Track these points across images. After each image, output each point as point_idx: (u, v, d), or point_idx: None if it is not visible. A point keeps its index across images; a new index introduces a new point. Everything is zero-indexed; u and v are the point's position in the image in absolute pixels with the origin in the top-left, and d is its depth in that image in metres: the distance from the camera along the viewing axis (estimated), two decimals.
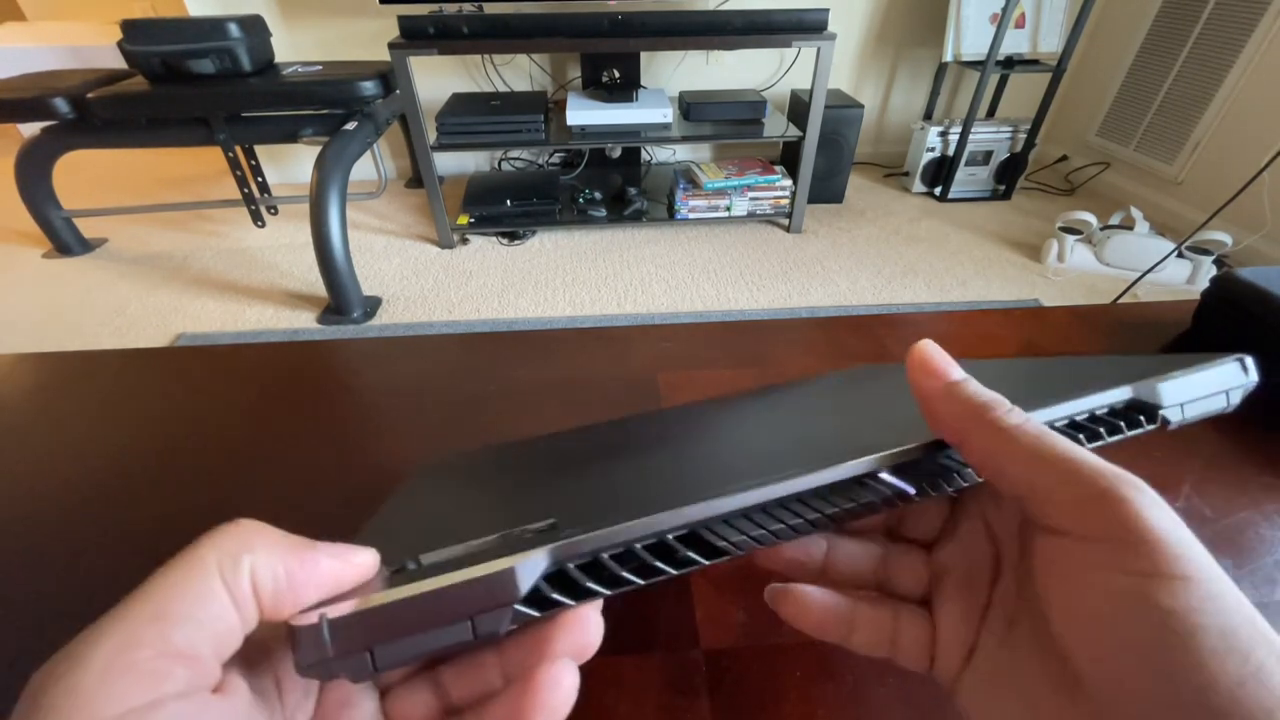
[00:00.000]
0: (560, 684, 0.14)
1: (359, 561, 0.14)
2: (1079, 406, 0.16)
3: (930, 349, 0.17)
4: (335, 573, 0.14)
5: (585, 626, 0.15)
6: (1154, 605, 0.12)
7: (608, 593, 0.14)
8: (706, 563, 0.14)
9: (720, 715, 0.23)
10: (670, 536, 0.14)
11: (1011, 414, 0.15)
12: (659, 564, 0.14)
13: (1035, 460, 0.14)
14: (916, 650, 0.18)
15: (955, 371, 0.17)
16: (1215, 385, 0.17)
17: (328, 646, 0.13)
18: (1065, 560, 0.13)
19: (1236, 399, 0.17)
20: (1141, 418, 0.17)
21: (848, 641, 0.19)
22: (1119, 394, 0.17)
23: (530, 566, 0.13)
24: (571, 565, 0.14)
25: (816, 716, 0.23)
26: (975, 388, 0.16)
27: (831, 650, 0.26)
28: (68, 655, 0.10)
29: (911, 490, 0.16)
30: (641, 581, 0.14)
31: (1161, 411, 0.17)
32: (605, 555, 0.14)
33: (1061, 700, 0.13)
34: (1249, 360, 0.17)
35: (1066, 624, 0.13)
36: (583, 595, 0.14)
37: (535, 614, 0.14)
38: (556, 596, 0.14)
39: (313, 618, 0.13)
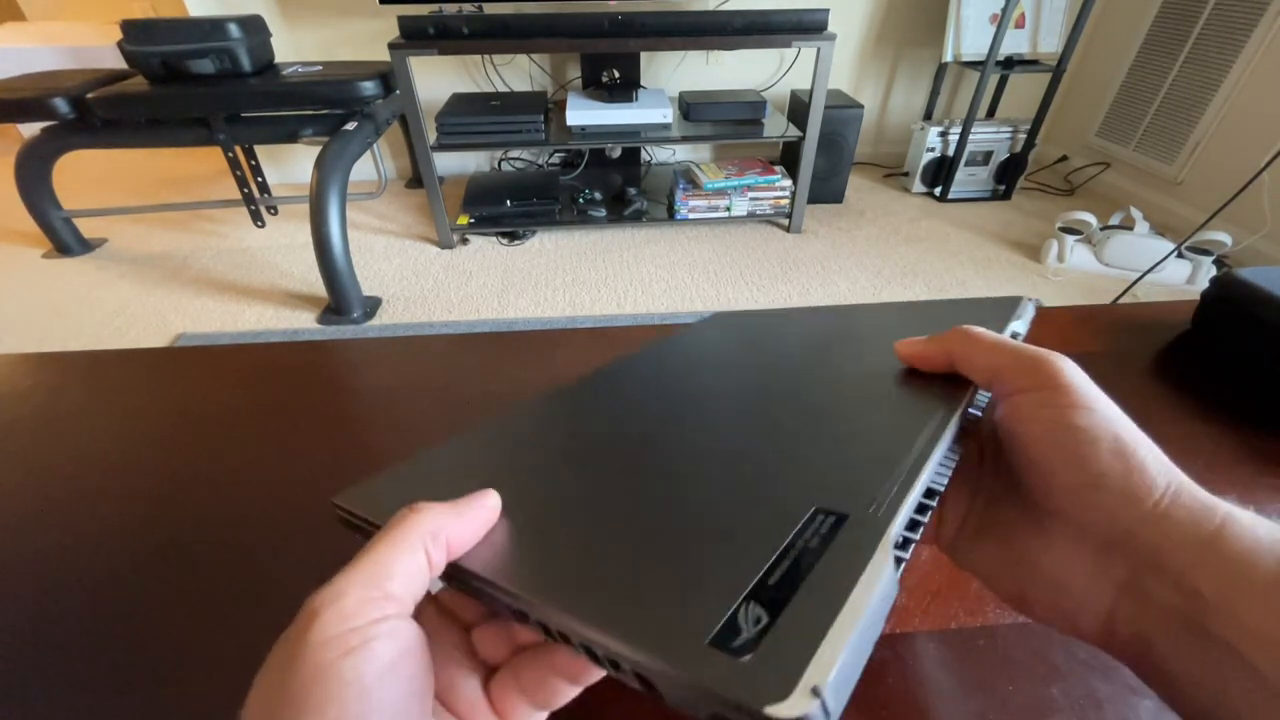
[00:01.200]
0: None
1: (492, 505, 0.18)
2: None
3: (909, 345, 0.23)
4: (485, 520, 0.18)
5: None
6: (1070, 424, 0.18)
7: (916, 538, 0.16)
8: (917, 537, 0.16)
9: None
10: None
11: (974, 328, 0.21)
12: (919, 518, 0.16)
13: (995, 350, 0.20)
14: (930, 531, 0.23)
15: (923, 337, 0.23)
16: (1028, 319, 0.26)
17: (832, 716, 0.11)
18: (1016, 408, 0.19)
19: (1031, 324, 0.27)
20: None
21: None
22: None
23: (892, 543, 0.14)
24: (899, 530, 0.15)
25: None
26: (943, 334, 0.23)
27: None
28: (333, 587, 0.15)
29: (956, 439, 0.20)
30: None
31: None
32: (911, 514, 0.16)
33: (1026, 521, 0.20)
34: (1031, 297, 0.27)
35: (1018, 449, 0.19)
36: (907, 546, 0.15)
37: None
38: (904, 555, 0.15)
39: (806, 706, 0.10)
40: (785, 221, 2.13)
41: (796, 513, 0.16)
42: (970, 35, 2.18)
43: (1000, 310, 0.27)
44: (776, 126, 2.00)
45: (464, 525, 0.17)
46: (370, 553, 0.16)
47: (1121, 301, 1.59)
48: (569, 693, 0.18)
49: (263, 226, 2.02)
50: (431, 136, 1.83)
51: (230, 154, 1.74)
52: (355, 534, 0.20)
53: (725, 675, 0.11)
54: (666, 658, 0.12)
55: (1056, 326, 0.47)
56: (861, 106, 2.13)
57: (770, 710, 0.10)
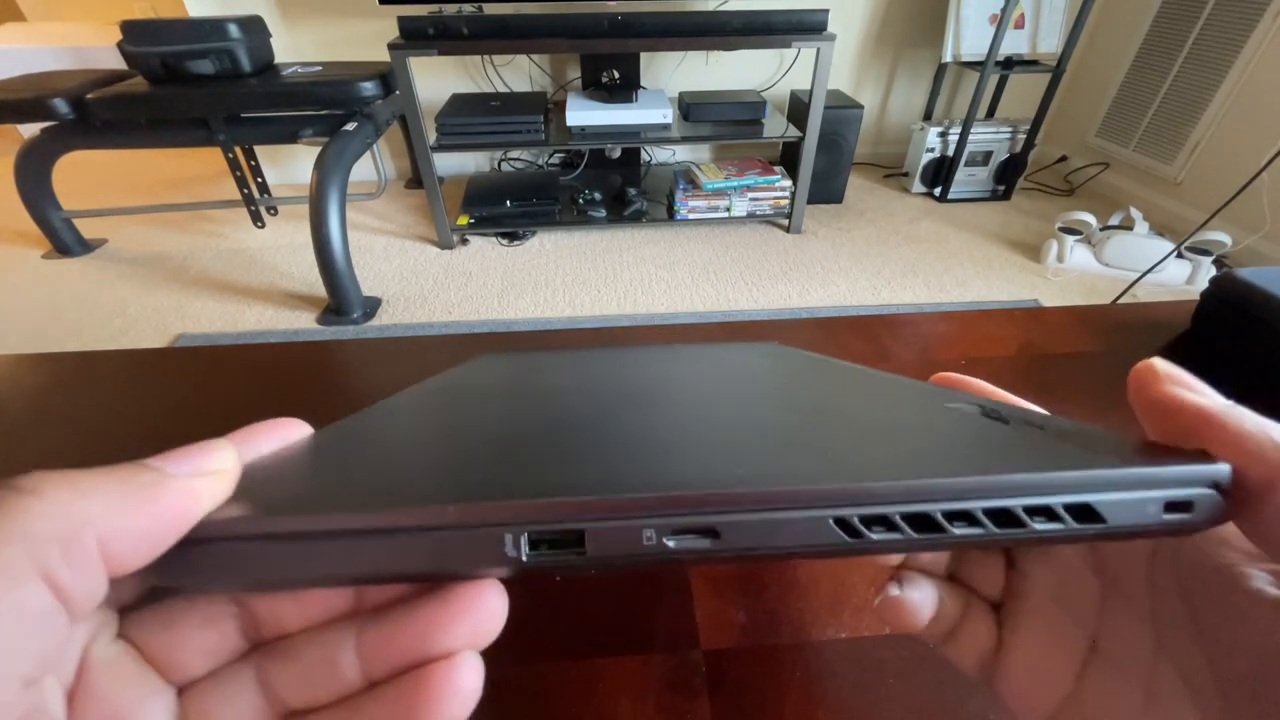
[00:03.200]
0: (461, 686, 0.11)
1: (218, 469, 0.11)
2: None
3: (1168, 379, 0.14)
4: (192, 497, 0.10)
5: (485, 607, 0.12)
6: None
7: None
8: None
9: (720, 715, 0.23)
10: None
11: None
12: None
13: None
14: (971, 654, 0.17)
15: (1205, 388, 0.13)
16: None
17: None
18: None
19: None
20: None
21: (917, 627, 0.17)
22: None
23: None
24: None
25: (816, 716, 0.23)
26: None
27: (831, 650, 0.26)
28: None
29: None
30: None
31: None
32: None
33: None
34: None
35: None
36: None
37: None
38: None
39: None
40: (785, 222, 2.13)
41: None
42: (970, 35, 2.18)
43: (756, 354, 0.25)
44: (776, 127, 2.00)
45: (141, 514, 0.10)
46: None
47: (1121, 301, 1.59)
48: None
49: (263, 227, 2.02)
50: (431, 137, 1.83)
51: (230, 154, 1.74)
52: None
53: (1178, 465, 0.12)
54: (1136, 468, 0.12)
55: (1056, 327, 0.47)
56: (861, 107, 2.13)
57: (1224, 468, 0.12)
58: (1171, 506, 0.12)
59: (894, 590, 0.17)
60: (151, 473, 0.10)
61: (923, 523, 0.11)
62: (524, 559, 0.11)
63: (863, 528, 0.11)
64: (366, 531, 0.11)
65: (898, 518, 0.11)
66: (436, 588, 0.12)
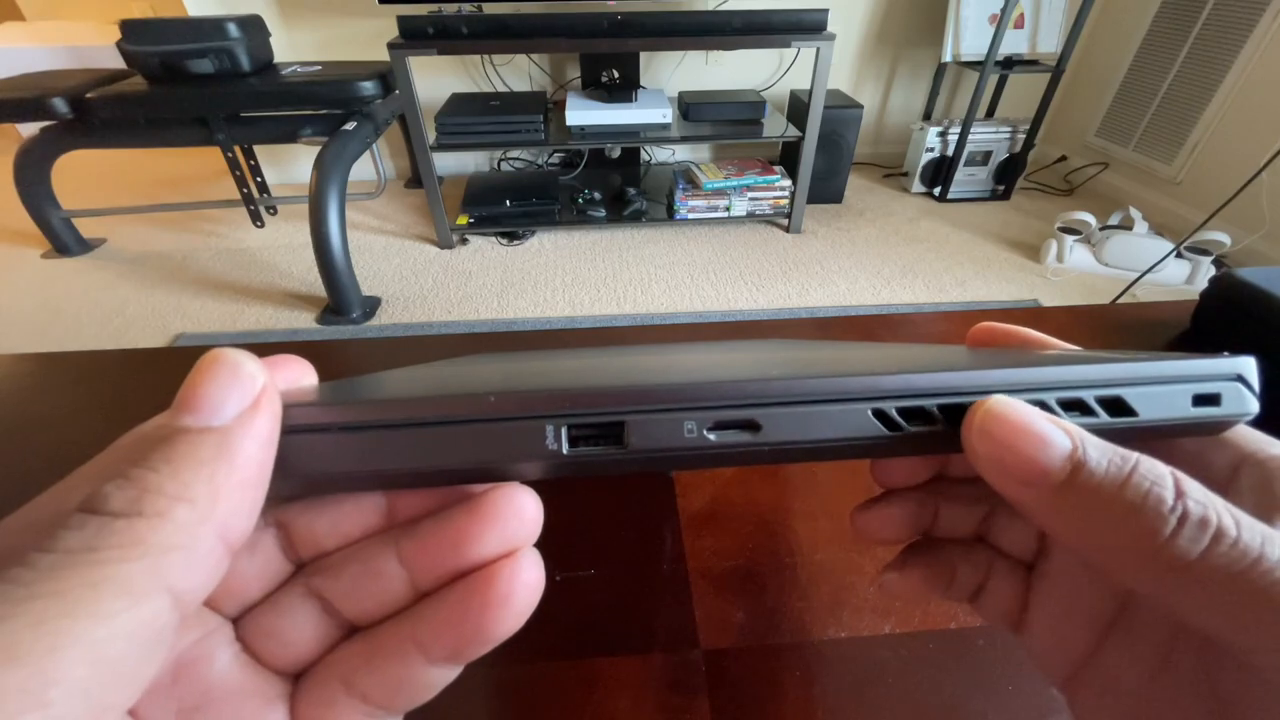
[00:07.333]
0: (526, 582, 0.12)
1: (258, 391, 0.10)
2: None
3: (1008, 409, 0.11)
4: (259, 442, 0.10)
5: (516, 513, 0.12)
6: None
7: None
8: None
9: (720, 715, 0.23)
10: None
11: (1194, 538, 0.10)
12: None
13: (1247, 604, 0.10)
14: (997, 613, 0.17)
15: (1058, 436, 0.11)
16: None
17: None
18: None
19: None
20: None
21: (930, 568, 0.17)
22: None
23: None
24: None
25: (816, 716, 0.23)
26: (1123, 473, 0.11)
27: (831, 650, 0.26)
28: None
29: None
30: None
31: None
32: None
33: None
34: None
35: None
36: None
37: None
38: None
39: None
40: (785, 221, 2.13)
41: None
42: (969, 35, 2.18)
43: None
44: (776, 126, 2.00)
45: (232, 492, 0.09)
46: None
47: (1120, 301, 1.59)
48: (436, 683, 0.12)
49: (262, 227, 2.02)
50: (431, 136, 1.83)
51: (229, 154, 1.74)
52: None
53: (1205, 359, 0.12)
54: (1165, 361, 0.12)
55: (1056, 327, 0.47)
56: (861, 106, 2.13)
57: (1249, 360, 0.12)
58: (1200, 400, 0.12)
59: (889, 575, 0.18)
60: (210, 442, 0.09)
61: (959, 416, 0.12)
62: (564, 452, 0.11)
63: (901, 420, 0.12)
64: (403, 425, 0.11)
65: (935, 410, 0.12)
66: (466, 498, 0.12)
